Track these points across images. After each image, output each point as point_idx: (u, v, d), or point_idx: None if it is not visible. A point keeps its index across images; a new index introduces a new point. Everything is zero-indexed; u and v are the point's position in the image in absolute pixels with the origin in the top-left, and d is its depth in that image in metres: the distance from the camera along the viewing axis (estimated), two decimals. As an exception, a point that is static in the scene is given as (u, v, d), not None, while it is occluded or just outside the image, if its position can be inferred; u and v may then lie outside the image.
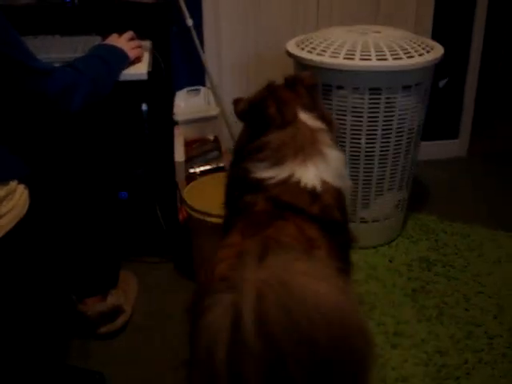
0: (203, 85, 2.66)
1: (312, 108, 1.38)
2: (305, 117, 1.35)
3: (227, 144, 2.68)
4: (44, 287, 1.71)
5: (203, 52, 2.58)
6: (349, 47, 2.00)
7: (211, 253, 1.97)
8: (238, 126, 2.71)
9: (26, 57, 1.45)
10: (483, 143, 3.18)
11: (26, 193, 1.47)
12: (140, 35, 1.98)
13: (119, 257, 1.94)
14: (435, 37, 2.70)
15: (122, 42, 1.84)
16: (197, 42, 2.50)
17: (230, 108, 2.67)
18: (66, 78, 1.56)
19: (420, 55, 2.01)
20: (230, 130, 2.71)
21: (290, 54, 2.12)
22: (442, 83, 2.88)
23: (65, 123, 1.67)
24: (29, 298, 1.59)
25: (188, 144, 2.39)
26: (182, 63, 2.65)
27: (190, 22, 2.46)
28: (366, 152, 2.09)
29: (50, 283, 1.79)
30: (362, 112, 2.03)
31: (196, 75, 2.68)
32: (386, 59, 1.96)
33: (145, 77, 1.82)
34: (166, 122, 2.22)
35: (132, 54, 1.84)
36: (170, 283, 2.09)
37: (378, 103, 2.01)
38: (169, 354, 1.78)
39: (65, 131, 1.70)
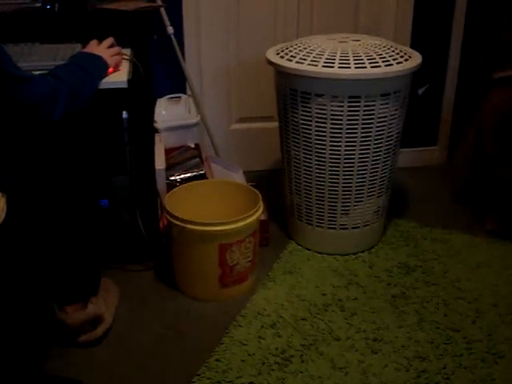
0: (184, 92, 2.67)
1: None
2: None
3: (208, 151, 2.69)
4: (23, 294, 1.70)
5: (184, 60, 2.59)
6: (328, 55, 2.01)
7: (191, 261, 1.99)
8: (218, 134, 2.74)
9: (6, 63, 1.45)
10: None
11: (3, 200, 1.46)
12: (120, 43, 1.99)
13: (100, 264, 1.93)
14: (414, 45, 2.74)
15: (102, 49, 1.85)
16: (177, 49, 2.51)
17: (210, 115, 2.70)
18: (47, 86, 1.56)
19: (398, 63, 2.03)
20: (211, 138, 2.72)
21: (270, 62, 2.14)
22: (420, 91, 2.91)
23: (45, 131, 1.67)
24: (8, 304, 1.58)
25: (169, 151, 2.40)
26: (162, 71, 2.66)
27: (170, 29, 2.47)
28: (346, 159, 2.11)
29: (29, 290, 1.78)
30: (341, 119, 2.04)
31: (177, 83, 2.68)
32: (364, 67, 1.98)
33: (125, 85, 1.82)
34: (146, 129, 2.22)
35: (111, 61, 1.84)
36: (150, 291, 2.08)
37: (357, 111, 2.03)
38: (149, 363, 1.78)
39: (45, 139, 1.70)
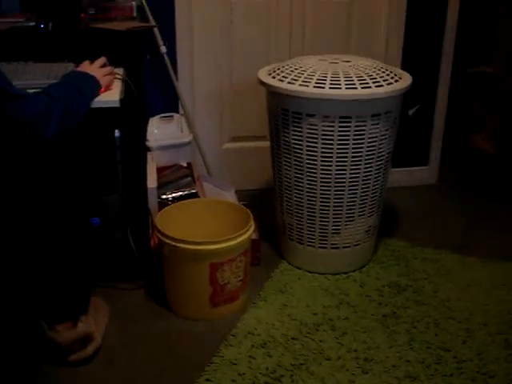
0: (177, 111, 2.68)
1: None
2: None
3: (200, 170, 2.70)
4: (14, 312, 1.69)
5: (177, 79, 2.60)
6: (319, 76, 2.04)
7: (182, 279, 1.99)
8: (210, 154, 2.76)
9: (1, 81, 1.46)
10: (453, 170, 3.24)
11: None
12: (113, 62, 2.00)
13: (90, 283, 1.93)
14: (405, 66, 2.77)
15: (94, 69, 1.86)
16: (170, 69, 2.53)
17: (202, 134, 2.72)
18: (41, 104, 1.58)
19: (389, 84, 2.05)
20: (203, 157, 2.73)
21: (261, 83, 2.16)
22: (411, 111, 2.94)
23: (37, 149, 1.67)
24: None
25: (161, 170, 2.41)
26: (155, 90, 2.68)
27: (163, 49, 2.49)
28: (336, 179, 2.12)
29: (19, 309, 1.78)
30: (332, 139, 2.06)
31: (169, 102, 2.70)
32: (355, 88, 2.00)
33: (117, 104, 1.84)
34: (138, 148, 2.23)
35: (103, 80, 1.86)
36: (141, 310, 2.08)
37: (347, 131, 2.04)
38: (140, 382, 1.77)
39: (37, 157, 1.70)
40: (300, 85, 2.03)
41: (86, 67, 1.87)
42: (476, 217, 2.79)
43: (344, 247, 2.27)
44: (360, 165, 2.11)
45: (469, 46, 2.92)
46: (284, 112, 2.11)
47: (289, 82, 2.06)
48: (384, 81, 2.05)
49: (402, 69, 2.47)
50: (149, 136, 2.46)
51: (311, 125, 2.06)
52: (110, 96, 1.86)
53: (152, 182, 2.21)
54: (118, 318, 2.02)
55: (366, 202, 2.20)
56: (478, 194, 3.00)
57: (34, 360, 1.83)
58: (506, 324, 2.02)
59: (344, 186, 2.14)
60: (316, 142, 2.08)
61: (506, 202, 2.93)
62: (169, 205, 2.22)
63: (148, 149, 2.43)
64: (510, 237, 2.60)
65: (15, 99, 1.50)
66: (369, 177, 2.15)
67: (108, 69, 1.92)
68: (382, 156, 2.15)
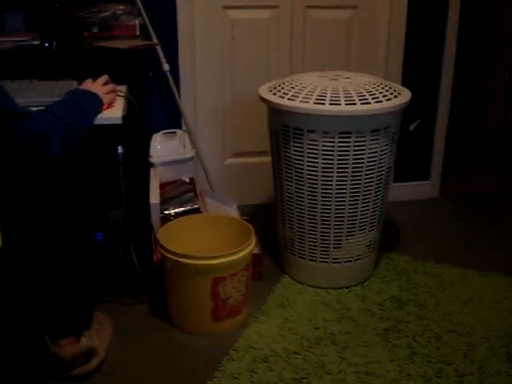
0: (179, 128, 2.70)
1: None
2: None
3: (202, 186, 2.72)
4: (17, 328, 1.70)
5: (179, 96, 2.63)
6: (319, 92, 2.06)
7: (184, 294, 2.00)
8: (213, 169, 2.78)
9: (4, 101, 1.48)
10: (454, 185, 3.25)
11: (-2, 234, 1.49)
12: (116, 80, 2.03)
13: (93, 298, 1.95)
14: (405, 81, 2.79)
15: (97, 86, 1.89)
16: (173, 86, 2.56)
17: (205, 150, 2.74)
18: (45, 122, 1.60)
19: (388, 100, 2.07)
20: (206, 172, 2.75)
21: (262, 99, 2.18)
22: (412, 126, 2.95)
23: (41, 166, 1.70)
24: (2, 337, 1.59)
25: (164, 186, 2.42)
26: (158, 107, 2.71)
27: (166, 67, 2.52)
28: (337, 193, 2.14)
29: (22, 323, 1.79)
30: (332, 155, 2.08)
31: (172, 118, 2.73)
32: (354, 104, 2.02)
33: (120, 121, 1.86)
34: (141, 164, 2.25)
35: (106, 98, 1.89)
36: (144, 325, 2.09)
37: (347, 146, 2.06)
38: (142, 396, 1.79)
39: (41, 174, 1.72)
40: (300, 101, 2.06)
41: (89, 85, 1.90)
42: (477, 230, 2.80)
43: (345, 261, 2.28)
44: (360, 180, 2.13)
45: (470, 61, 2.94)
46: (285, 128, 2.13)
47: (289, 99, 2.09)
48: (383, 97, 2.08)
49: (402, 84, 2.49)
50: (152, 152, 2.48)
51: (312, 140, 2.08)
52: (113, 113, 1.89)
53: (155, 197, 2.22)
54: (120, 333, 2.03)
55: (366, 217, 2.22)
56: (480, 207, 3.02)
57: (36, 374, 1.84)
58: (508, 338, 2.02)
59: (345, 201, 2.15)
60: (317, 158, 2.10)
61: (509, 215, 2.94)
62: (171, 220, 2.24)
63: (151, 165, 2.45)
64: (511, 250, 2.61)
65: (18, 118, 1.52)
66: (369, 191, 2.17)
67: (110, 86, 1.95)
68: (383, 171, 2.17)
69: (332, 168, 2.10)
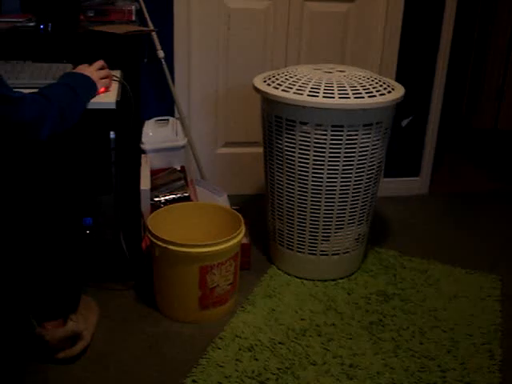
0: (172, 115, 2.71)
1: None
2: None
3: (194, 174, 2.73)
4: (2, 309, 1.70)
5: (173, 83, 2.63)
6: (313, 85, 2.06)
7: (172, 281, 2.01)
8: (204, 158, 2.78)
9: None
10: (444, 182, 3.28)
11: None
12: (111, 65, 2.02)
13: (80, 282, 1.95)
14: (399, 77, 2.80)
15: (92, 71, 1.88)
16: (167, 73, 2.56)
17: (197, 139, 2.74)
18: (36, 105, 1.58)
19: (381, 95, 2.08)
20: (197, 161, 2.75)
21: (256, 90, 2.18)
22: (404, 122, 2.97)
23: (32, 149, 1.69)
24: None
25: (155, 173, 2.43)
26: (152, 93, 2.70)
27: (161, 53, 2.52)
28: (327, 186, 2.15)
29: (8, 305, 1.79)
30: (324, 147, 2.08)
31: (165, 106, 2.72)
32: (348, 97, 2.03)
33: (113, 106, 1.85)
34: (133, 150, 2.25)
35: (100, 83, 1.88)
36: (130, 311, 2.09)
37: (339, 139, 2.07)
38: (127, 382, 1.79)
39: (31, 157, 1.72)
40: (294, 93, 2.06)
41: (84, 69, 1.89)
42: (465, 228, 2.82)
43: (333, 254, 2.29)
44: (351, 173, 2.14)
45: (464, 59, 2.95)
46: (278, 119, 2.14)
47: (283, 90, 2.09)
48: (377, 91, 2.08)
49: (396, 80, 2.50)
50: (144, 139, 2.48)
51: (304, 132, 2.09)
52: (107, 98, 1.88)
53: (145, 184, 2.23)
54: (107, 318, 2.04)
55: (356, 210, 2.23)
56: (468, 206, 3.04)
57: (21, 356, 1.85)
58: (491, 335, 2.04)
59: (335, 194, 2.16)
60: (308, 150, 2.11)
61: (496, 214, 2.97)
62: (161, 207, 2.25)
63: (143, 151, 2.45)
64: (497, 249, 2.63)
65: (7, 101, 1.50)
66: (359, 185, 2.18)
67: (105, 71, 1.94)
68: (373, 165, 2.18)
69: (323, 161, 2.11)
